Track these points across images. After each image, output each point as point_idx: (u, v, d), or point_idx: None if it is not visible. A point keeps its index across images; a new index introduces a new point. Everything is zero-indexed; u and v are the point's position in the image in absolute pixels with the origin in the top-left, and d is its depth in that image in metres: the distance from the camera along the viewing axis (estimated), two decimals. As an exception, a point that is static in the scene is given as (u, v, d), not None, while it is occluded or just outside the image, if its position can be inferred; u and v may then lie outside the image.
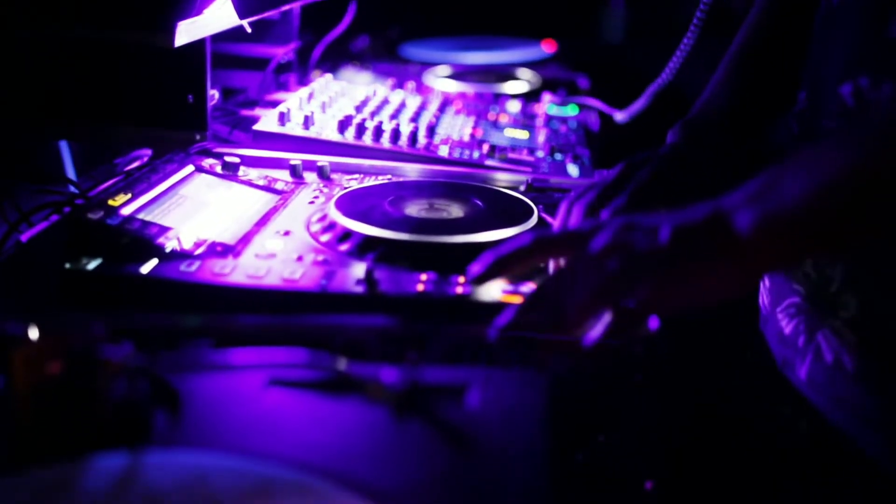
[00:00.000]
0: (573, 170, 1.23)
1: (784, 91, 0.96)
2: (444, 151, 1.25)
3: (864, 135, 0.65)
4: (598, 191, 0.89)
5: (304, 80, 1.68)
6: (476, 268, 0.70)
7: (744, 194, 0.64)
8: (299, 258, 0.86)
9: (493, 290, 0.80)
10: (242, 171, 1.12)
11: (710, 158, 0.94)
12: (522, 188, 1.13)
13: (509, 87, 1.79)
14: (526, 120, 1.50)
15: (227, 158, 1.13)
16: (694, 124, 0.98)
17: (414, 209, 0.99)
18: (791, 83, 0.94)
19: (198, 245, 0.87)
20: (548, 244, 0.70)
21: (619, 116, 1.51)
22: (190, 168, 1.07)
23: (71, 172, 1.21)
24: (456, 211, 0.99)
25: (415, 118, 1.39)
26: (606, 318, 0.67)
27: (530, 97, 1.69)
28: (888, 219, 0.62)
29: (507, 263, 0.70)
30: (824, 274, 0.83)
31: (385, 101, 1.47)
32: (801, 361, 0.85)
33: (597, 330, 0.67)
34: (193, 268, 0.82)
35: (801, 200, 0.62)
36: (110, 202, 0.91)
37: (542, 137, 1.38)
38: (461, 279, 0.82)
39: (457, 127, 1.39)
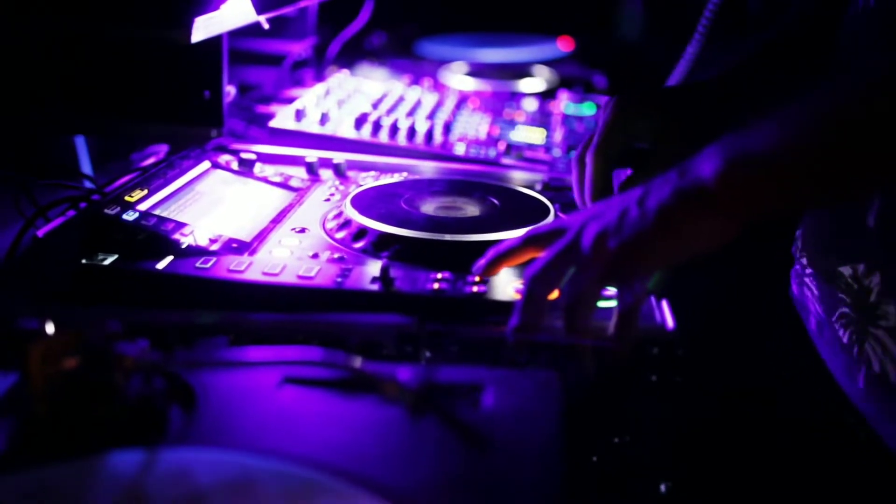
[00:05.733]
0: (589, 169, 1.22)
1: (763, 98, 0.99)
2: (460, 149, 1.24)
3: (829, 87, 0.67)
4: (600, 134, 0.92)
5: (320, 77, 1.68)
6: (482, 261, 0.77)
7: (710, 147, 0.66)
8: (315, 255, 0.86)
9: (508, 289, 0.80)
10: (258, 167, 1.12)
11: (692, 98, 0.96)
12: (538, 187, 1.13)
13: (526, 85, 1.79)
14: (542, 118, 1.49)
15: (243, 155, 1.13)
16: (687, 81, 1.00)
17: (430, 207, 0.99)
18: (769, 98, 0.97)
19: (213, 241, 0.87)
20: (537, 239, 0.75)
21: None
22: (206, 164, 1.07)
23: (87, 168, 1.22)
24: (472, 209, 0.99)
25: (431, 116, 1.39)
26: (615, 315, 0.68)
27: (547, 95, 1.69)
28: (847, 168, 0.64)
29: (504, 256, 0.76)
30: (863, 284, 0.82)
31: (401, 99, 1.46)
32: (857, 370, 0.85)
33: (611, 326, 0.67)
34: (209, 264, 0.82)
35: (763, 144, 0.64)
36: (126, 198, 0.91)
37: (558, 136, 1.38)
38: (476, 278, 0.82)
39: (473, 125, 1.38)
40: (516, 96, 1.66)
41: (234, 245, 0.88)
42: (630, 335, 0.68)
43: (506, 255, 0.76)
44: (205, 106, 1.12)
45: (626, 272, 0.66)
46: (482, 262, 0.77)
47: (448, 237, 0.88)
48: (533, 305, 0.69)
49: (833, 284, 0.88)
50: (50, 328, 0.59)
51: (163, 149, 1.25)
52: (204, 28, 0.96)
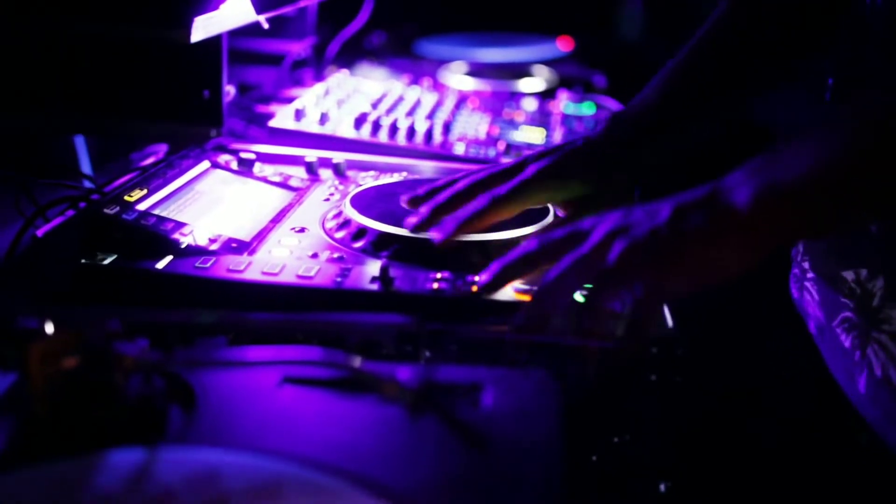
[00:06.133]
0: (589, 168, 1.22)
1: (724, 104, 0.95)
2: (459, 149, 1.24)
3: (865, 111, 0.65)
4: (489, 171, 0.88)
5: (319, 77, 1.68)
6: (485, 277, 0.72)
7: (743, 171, 0.65)
8: (314, 255, 0.86)
9: (508, 289, 0.80)
10: (258, 167, 1.12)
11: (616, 154, 0.91)
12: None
13: (525, 85, 1.79)
14: (542, 118, 1.49)
15: (243, 154, 1.13)
16: (620, 119, 0.94)
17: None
18: (734, 98, 0.95)
19: (213, 241, 0.87)
20: (552, 247, 0.70)
21: None
22: (205, 164, 1.07)
23: (86, 167, 1.21)
24: (471, 209, 0.99)
25: (430, 115, 1.39)
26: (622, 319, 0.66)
27: (546, 95, 1.69)
28: (887, 194, 0.63)
29: (514, 271, 0.71)
30: (866, 289, 0.82)
31: (401, 99, 1.46)
32: (859, 374, 0.85)
33: (619, 331, 0.66)
34: (208, 264, 0.82)
35: (800, 174, 0.62)
36: (126, 197, 0.91)
37: (558, 136, 1.38)
38: (476, 278, 0.82)
39: (473, 124, 1.38)
40: (516, 96, 1.66)
41: (234, 245, 0.88)
42: (640, 342, 0.67)
43: (516, 268, 0.71)
44: (204, 105, 1.11)
45: (651, 292, 0.65)
46: (487, 277, 0.72)
47: (448, 237, 0.88)
48: (542, 311, 0.67)
49: (836, 289, 0.87)
50: (49, 328, 0.59)
51: (162, 148, 1.25)
52: (203, 28, 0.96)
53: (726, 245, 0.64)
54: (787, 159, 0.64)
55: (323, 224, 0.95)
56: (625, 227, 0.67)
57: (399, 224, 0.90)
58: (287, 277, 0.80)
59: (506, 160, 1.21)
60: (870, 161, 0.62)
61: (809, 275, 0.94)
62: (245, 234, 0.91)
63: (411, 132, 1.26)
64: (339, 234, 0.92)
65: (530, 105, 1.57)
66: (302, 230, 0.94)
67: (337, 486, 0.51)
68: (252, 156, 1.12)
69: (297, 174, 1.13)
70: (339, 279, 0.80)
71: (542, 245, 0.71)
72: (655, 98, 0.94)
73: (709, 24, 0.96)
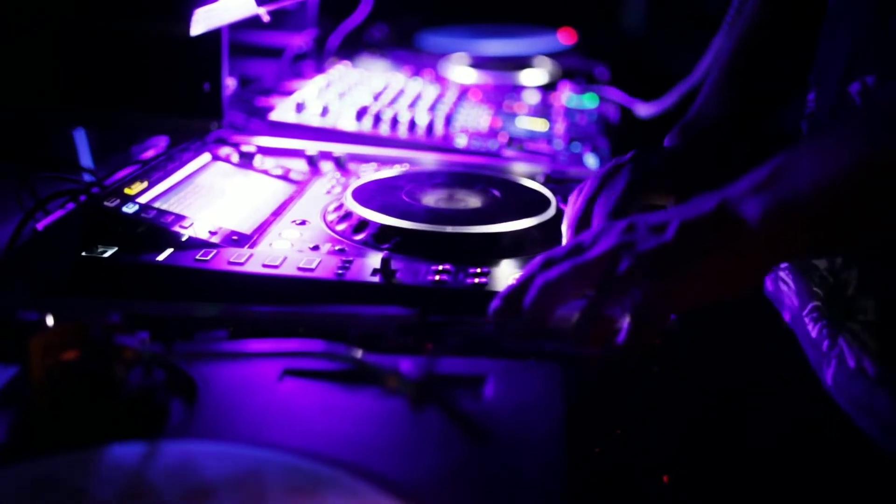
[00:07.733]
0: (591, 161, 1.22)
1: (781, 94, 0.98)
2: (461, 141, 1.24)
3: (872, 123, 0.64)
4: (618, 201, 0.86)
5: (320, 69, 1.68)
6: (495, 303, 0.68)
7: (750, 183, 0.63)
8: (315, 248, 0.86)
9: (510, 281, 0.79)
10: (259, 160, 1.12)
11: (709, 162, 0.93)
12: (540, 179, 1.12)
13: (528, 77, 1.78)
14: (544, 110, 1.49)
15: (244, 147, 1.12)
16: (691, 129, 0.96)
17: (431, 199, 0.98)
18: (788, 86, 0.97)
19: (213, 234, 0.87)
20: (555, 261, 0.68)
21: (643, 111, 1.50)
22: (206, 157, 1.07)
23: (87, 160, 1.21)
24: (473, 201, 0.99)
25: (432, 108, 1.38)
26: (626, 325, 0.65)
27: (548, 87, 1.69)
28: (891, 214, 0.62)
29: (520, 295, 0.67)
30: (840, 278, 0.81)
31: (402, 91, 1.46)
32: (826, 365, 0.84)
33: (620, 338, 0.65)
34: (209, 257, 0.82)
35: (811, 188, 0.61)
36: (126, 190, 0.90)
37: (560, 128, 1.37)
38: (477, 269, 0.81)
39: (474, 117, 1.38)
40: (518, 88, 1.66)
41: (235, 237, 0.87)
42: (641, 350, 0.64)
43: (521, 292, 0.67)
44: (205, 98, 1.11)
45: (658, 306, 0.63)
46: (497, 304, 0.68)
47: (449, 229, 0.88)
48: (541, 311, 0.65)
49: (807, 278, 0.87)
50: (50, 320, 0.59)
51: (163, 141, 1.24)
52: (204, 20, 0.96)
53: (738, 261, 0.62)
54: (797, 171, 0.62)
55: (324, 217, 0.95)
56: (629, 242, 0.65)
57: (400, 216, 0.89)
58: (288, 270, 0.80)
59: (508, 153, 1.22)
60: (877, 171, 0.61)
61: (783, 264, 0.93)
62: (246, 226, 0.91)
63: (413, 125, 1.26)
64: (341, 227, 0.91)
65: (532, 97, 1.57)
66: (303, 223, 0.93)
67: (340, 478, 0.51)
68: (253, 148, 1.12)
69: (298, 167, 1.13)
70: (340, 271, 0.80)
71: (545, 262, 0.68)
72: (720, 100, 0.97)
73: (746, 25, 0.98)
